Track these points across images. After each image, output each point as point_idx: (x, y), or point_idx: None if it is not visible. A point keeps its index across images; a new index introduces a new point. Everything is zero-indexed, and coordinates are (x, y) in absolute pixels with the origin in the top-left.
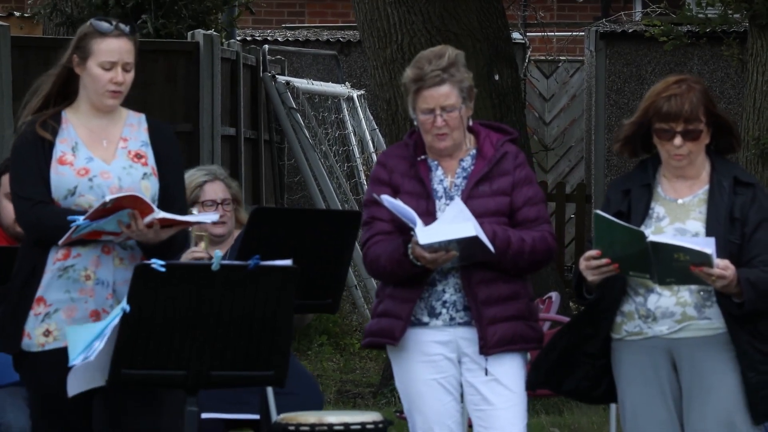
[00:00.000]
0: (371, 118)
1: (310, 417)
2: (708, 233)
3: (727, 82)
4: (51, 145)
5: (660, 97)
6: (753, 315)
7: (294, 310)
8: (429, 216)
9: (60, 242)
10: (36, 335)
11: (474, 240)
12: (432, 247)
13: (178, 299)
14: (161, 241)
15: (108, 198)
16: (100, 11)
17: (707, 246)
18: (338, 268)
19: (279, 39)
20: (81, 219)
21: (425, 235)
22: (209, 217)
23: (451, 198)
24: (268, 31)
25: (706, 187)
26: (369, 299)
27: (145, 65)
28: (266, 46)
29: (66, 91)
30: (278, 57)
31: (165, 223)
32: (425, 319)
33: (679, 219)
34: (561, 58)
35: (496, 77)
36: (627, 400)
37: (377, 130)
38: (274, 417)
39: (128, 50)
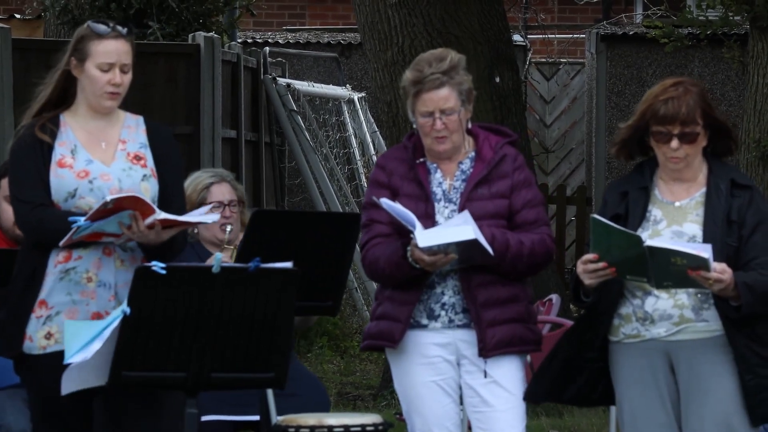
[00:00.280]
0: (372, 120)
1: (310, 419)
2: (705, 236)
3: (727, 85)
4: (50, 148)
5: (657, 100)
6: (751, 318)
7: (295, 312)
8: (428, 219)
9: (61, 243)
10: (37, 338)
11: (473, 243)
12: (431, 250)
13: (179, 301)
14: (162, 242)
15: (109, 198)
16: (102, 14)
17: (704, 246)
18: (339, 271)
19: (280, 41)
20: (82, 220)
21: (424, 237)
22: (210, 217)
23: (450, 201)
24: (269, 33)
25: (703, 189)
26: (369, 301)
27: (145, 67)
28: (267, 49)
29: (65, 95)
30: (279, 59)
31: (166, 224)
32: (424, 321)
33: (676, 222)
34: (562, 60)
35: (497, 79)
36: (625, 403)
37: (378, 133)
38: (274, 419)
39: (126, 51)
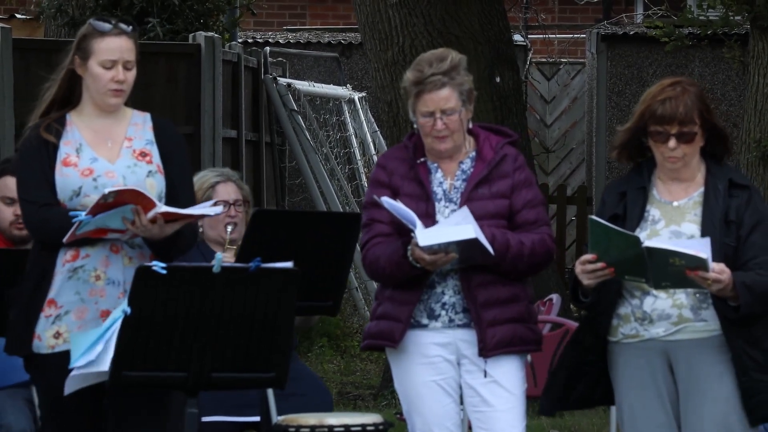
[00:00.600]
0: (372, 120)
1: (310, 419)
2: (703, 236)
3: (728, 85)
4: (55, 148)
5: (655, 100)
6: (749, 318)
7: (295, 312)
8: (428, 218)
9: (64, 240)
10: (46, 337)
11: (473, 242)
12: (431, 249)
13: (179, 301)
14: (167, 236)
15: (107, 191)
16: (105, 13)
17: (703, 247)
18: (339, 271)
19: (280, 41)
20: (83, 214)
21: (425, 236)
22: (213, 209)
23: (451, 200)
24: (270, 33)
25: (701, 189)
26: (370, 301)
27: (146, 67)
28: (267, 48)
29: (71, 95)
30: (279, 59)
31: (169, 218)
32: (424, 321)
33: (674, 221)
34: (562, 60)
35: (498, 79)
36: (625, 403)
37: (378, 133)
38: (275, 419)
39: (129, 48)
